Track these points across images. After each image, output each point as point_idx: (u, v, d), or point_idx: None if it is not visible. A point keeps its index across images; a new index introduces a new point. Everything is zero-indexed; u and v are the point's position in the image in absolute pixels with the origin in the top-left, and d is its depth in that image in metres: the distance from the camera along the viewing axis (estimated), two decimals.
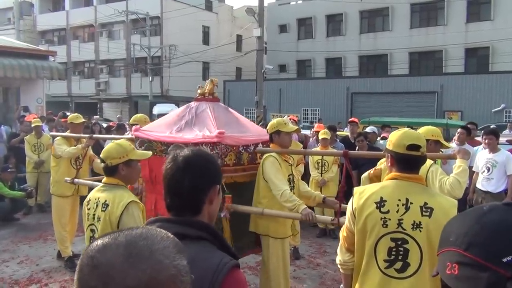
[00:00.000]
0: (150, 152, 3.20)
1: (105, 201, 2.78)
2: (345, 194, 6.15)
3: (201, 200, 1.46)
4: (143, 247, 0.78)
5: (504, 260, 0.69)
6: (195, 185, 1.45)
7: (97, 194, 2.88)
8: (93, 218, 2.83)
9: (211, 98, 4.27)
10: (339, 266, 2.47)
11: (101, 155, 2.89)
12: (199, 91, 4.31)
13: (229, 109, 4.55)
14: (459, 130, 6.80)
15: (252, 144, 4.17)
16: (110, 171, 2.86)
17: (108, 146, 2.96)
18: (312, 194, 4.24)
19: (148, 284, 0.75)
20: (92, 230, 2.86)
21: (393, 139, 2.30)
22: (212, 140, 3.66)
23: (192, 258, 0.85)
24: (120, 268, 0.75)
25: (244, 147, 4.09)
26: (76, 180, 5.23)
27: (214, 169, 1.52)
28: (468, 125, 7.42)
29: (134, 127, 4.55)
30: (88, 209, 2.88)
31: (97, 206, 2.82)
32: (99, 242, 0.80)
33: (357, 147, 6.86)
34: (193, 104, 4.26)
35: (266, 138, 4.25)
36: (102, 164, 2.89)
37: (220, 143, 3.76)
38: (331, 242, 6.75)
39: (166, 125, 4.22)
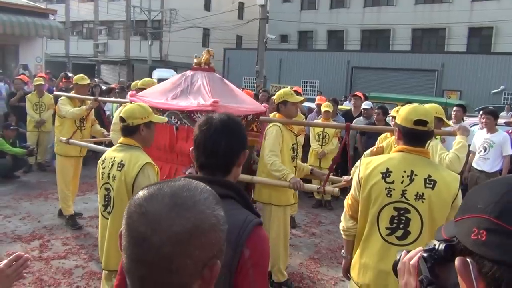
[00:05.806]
0: (166, 118, 3.23)
1: (121, 161, 2.80)
2: (339, 167, 6.34)
3: (233, 162, 1.55)
4: (187, 197, 0.83)
5: None
6: (231, 147, 1.53)
7: (113, 153, 2.89)
8: (108, 177, 2.85)
9: (207, 68, 4.28)
10: (342, 232, 2.57)
11: (122, 115, 2.89)
12: (195, 60, 4.32)
13: (224, 80, 4.58)
14: (455, 108, 6.92)
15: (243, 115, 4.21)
16: (130, 131, 2.88)
17: (129, 106, 2.96)
18: (300, 165, 4.38)
19: (191, 231, 0.79)
20: (106, 189, 2.88)
21: (402, 113, 2.37)
22: (207, 108, 3.68)
23: None
24: (166, 216, 0.79)
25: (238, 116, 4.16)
26: (71, 140, 5.25)
27: (245, 135, 1.61)
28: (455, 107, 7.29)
29: (130, 92, 4.59)
30: (103, 168, 2.90)
31: (112, 165, 2.83)
32: (145, 191, 0.84)
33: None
34: (188, 73, 4.28)
35: (260, 110, 4.34)
36: (121, 124, 2.89)
37: (215, 112, 3.82)
38: (326, 213, 6.93)
39: (161, 92, 4.24)
